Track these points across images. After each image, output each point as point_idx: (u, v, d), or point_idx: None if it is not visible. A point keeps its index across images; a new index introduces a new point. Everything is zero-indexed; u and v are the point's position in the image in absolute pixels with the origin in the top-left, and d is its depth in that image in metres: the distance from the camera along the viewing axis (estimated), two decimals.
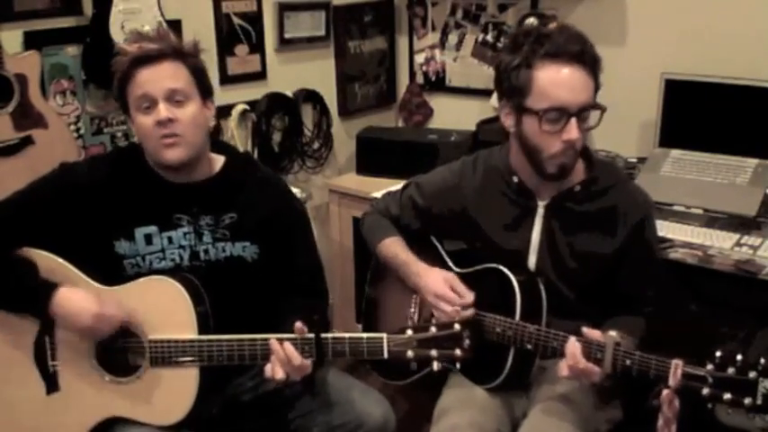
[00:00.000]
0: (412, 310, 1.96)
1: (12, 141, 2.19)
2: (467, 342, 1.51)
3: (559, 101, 1.63)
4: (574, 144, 1.67)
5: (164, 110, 1.62)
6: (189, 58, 1.68)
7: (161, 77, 1.63)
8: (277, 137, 3.05)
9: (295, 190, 2.74)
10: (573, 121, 1.64)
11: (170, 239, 1.71)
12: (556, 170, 1.73)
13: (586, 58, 1.64)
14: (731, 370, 1.42)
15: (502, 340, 1.74)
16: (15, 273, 1.62)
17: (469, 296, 1.77)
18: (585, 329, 1.62)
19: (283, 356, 1.56)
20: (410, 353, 1.53)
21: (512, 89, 1.70)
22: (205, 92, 1.71)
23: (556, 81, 1.63)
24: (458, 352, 1.51)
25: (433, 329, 1.53)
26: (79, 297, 1.59)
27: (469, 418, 1.72)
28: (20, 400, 1.67)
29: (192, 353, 1.60)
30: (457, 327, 1.52)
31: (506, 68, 1.70)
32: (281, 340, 1.57)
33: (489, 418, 1.74)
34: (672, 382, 1.48)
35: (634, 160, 2.66)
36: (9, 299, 1.63)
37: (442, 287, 1.80)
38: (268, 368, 1.58)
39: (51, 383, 1.66)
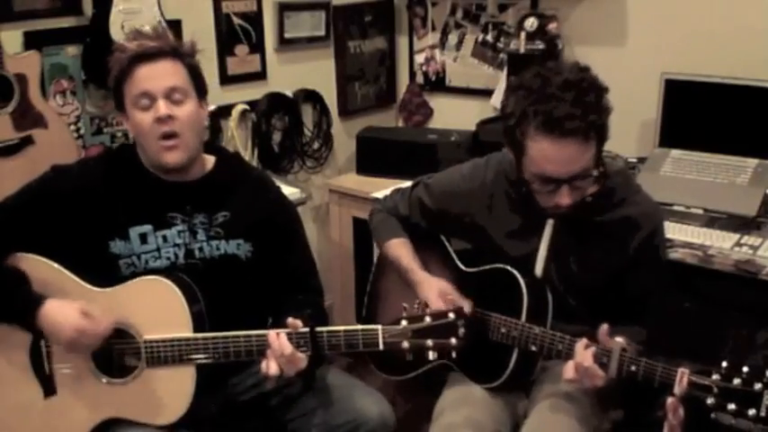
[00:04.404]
0: (417, 303, 1.96)
1: (12, 141, 2.19)
2: (462, 331, 1.52)
3: (548, 173, 1.61)
4: (566, 206, 1.64)
5: (163, 107, 1.62)
6: (186, 57, 1.69)
7: (160, 75, 1.63)
8: (277, 137, 3.05)
9: (295, 190, 2.75)
10: (563, 187, 1.62)
11: (165, 238, 1.71)
12: (554, 213, 1.72)
13: (582, 133, 1.56)
14: (737, 381, 1.42)
15: (506, 341, 1.74)
16: (3, 285, 1.61)
17: (466, 305, 1.72)
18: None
19: (278, 347, 1.56)
20: (405, 343, 1.54)
21: (510, 141, 1.67)
22: (201, 92, 1.73)
23: (546, 156, 1.59)
24: (453, 341, 1.52)
25: (428, 319, 1.54)
26: (63, 311, 1.58)
27: (468, 416, 1.72)
28: (17, 404, 1.66)
29: (189, 351, 1.60)
30: (451, 315, 1.53)
31: (505, 120, 1.66)
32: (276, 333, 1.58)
33: (488, 417, 1.74)
34: (677, 390, 1.47)
35: (634, 160, 2.66)
36: None
37: (436, 300, 1.77)
38: (263, 364, 1.58)
39: (48, 387, 1.66)
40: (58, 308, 1.58)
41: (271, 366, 1.57)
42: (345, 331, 1.58)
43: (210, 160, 1.80)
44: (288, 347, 1.56)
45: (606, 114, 1.61)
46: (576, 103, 1.56)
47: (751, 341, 2.23)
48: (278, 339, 1.57)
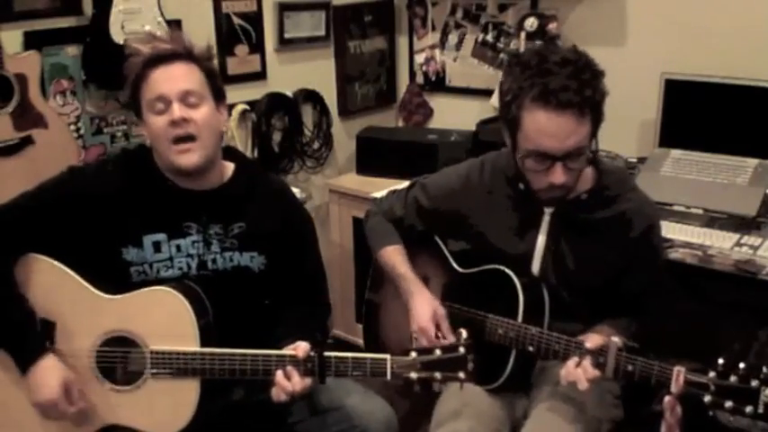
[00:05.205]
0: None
1: (12, 141, 2.18)
2: (471, 366, 1.51)
3: (543, 147, 1.60)
4: (559, 186, 1.64)
5: (177, 110, 1.60)
6: (202, 60, 1.67)
7: (175, 78, 1.62)
8: (277, 137, 3.05)
9: (295, 190, 2.74)
10: (557, 165, 1.61)
11: (178, 247, 1.69)
12: (547, 200, 1.72)
13: (577, 106, 1.55)
14: (733, 378, 1.42)
15: (504, 342, 1.74)
16: (13, 320, 1.60)
17: (450, 339, 1.74)
18: (588, 344, 1.61)
19: (290, 390, 1.56)
20: (413, 375, 1.52)
21: (505, 119, 1.67)
22: (218, 95, 1.71)
23: (540, 128, 1.58)
24: (461, 375, 1.51)
25: (438, 352, 1.52)
26: (51, 375, 1.58)
27: (468, 423, 1.71)
28: (19, 404, 1.65)
29: (193, 366, 1.59)
30: (462, 350, 1.51)
31: (502, 97, 1.67)
32: (284, 366, 1.56)
33: (488, 420, 1.73)
34: (674, 388, 1.47)
35: (634, 160, 2.66)
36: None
37: (427, 322, 1.79)
38: (274, 393, 1.58)
39: None
40: (49, 369, 1.59)
41: (281, 397, 1.57)
42: (354, 359, 1.56)
43: (229, 168, 1.78)
44: (297, 386, 1.56)
45: (602, 95, 1.61)
46: (572, 77, 1.56)
47: (751, 341, 2.23)
48: (290, 383, 1.56)
